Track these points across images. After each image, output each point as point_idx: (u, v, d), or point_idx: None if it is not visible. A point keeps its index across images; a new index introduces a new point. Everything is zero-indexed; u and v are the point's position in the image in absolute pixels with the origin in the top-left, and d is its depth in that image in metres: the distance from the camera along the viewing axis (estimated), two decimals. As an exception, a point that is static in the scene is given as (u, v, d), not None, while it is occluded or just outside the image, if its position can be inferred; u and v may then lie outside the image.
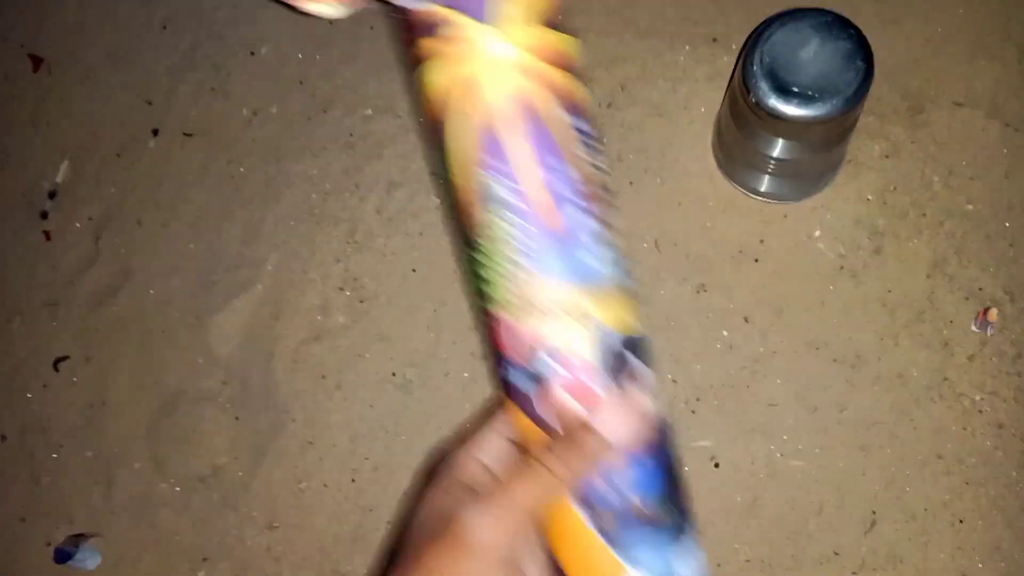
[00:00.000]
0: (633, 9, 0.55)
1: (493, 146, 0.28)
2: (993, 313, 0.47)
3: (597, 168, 0.29)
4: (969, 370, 0.47)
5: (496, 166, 0.28)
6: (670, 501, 0.30)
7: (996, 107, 0.50)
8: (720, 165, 0.52)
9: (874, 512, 0.46)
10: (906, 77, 0.52)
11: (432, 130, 0.29)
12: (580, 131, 0.29)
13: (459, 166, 0.29)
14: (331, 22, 0.57)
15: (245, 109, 0.56)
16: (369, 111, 0.56)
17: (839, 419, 0.47)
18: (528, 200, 0.28)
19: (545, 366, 0.29)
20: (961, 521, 0.45)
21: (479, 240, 0.29)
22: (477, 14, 0.27)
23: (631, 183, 0.53)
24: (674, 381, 0.49)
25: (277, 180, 0.55)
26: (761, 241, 0.51)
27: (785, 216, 0.51)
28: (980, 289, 0.48)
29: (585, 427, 0.28)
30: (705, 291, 0.50)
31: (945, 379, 0.47)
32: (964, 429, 0.46)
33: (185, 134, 0.57)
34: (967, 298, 0.48)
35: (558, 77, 0.28)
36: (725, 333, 0.50)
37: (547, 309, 0.29)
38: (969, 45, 0.51)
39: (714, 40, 0.54)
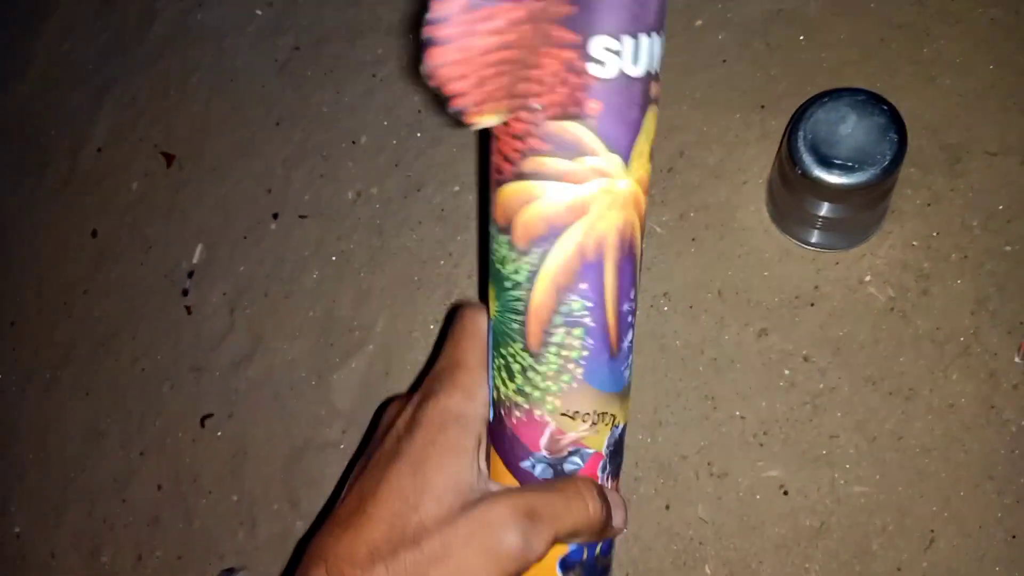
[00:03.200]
0: (688, 82, 0.61)
1: (589, 272, 0.31)
2: (1035, 345, 0.52)
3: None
4: (1014, 398, 0.51)
5: (585, 292, 0.31)
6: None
7: (1029, 154, 0.55)
8: (774, 220, 0.58)
9: (932, 531, 0.51)
10: (943, 130, 0.56)
11: (525, 239, 0.31)
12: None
13: (545, 283, 0.31)
14: (419, 111, 0.65)
15: (350, 191, 0.65)
16: (457, 187, 0.63)
17: (896, 447, 0.52)
18: (604, 327, 0.31)
19: (570, 461, 0.33)
20: (1014, 537, 0.49)
21: (543, 352, 0.32)
22: (620, 147, 0.30)
23: (694, 239, 0.59)
24: (742, 417, 0.55)
25: (381, 253, 0.63)
26: (816, 287, 0.56)
27: (837, 263, 0.56)
28: (1021, 323, 0.52)
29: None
30: (766, 334, 0.56)
31: (992, 407, 0.52)
32: (1012, 452, 0.51)
33: (300, 216, 0.65)
34: (1009, 332, 0.52)
35: (644, 208, 0.32)
36: (787, 372, 0.55)
37: (586, 415, 0.32)
38: (1001, 99, 0.56)
39: (762, 107, 0.60)
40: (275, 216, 0.66)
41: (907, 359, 0.53)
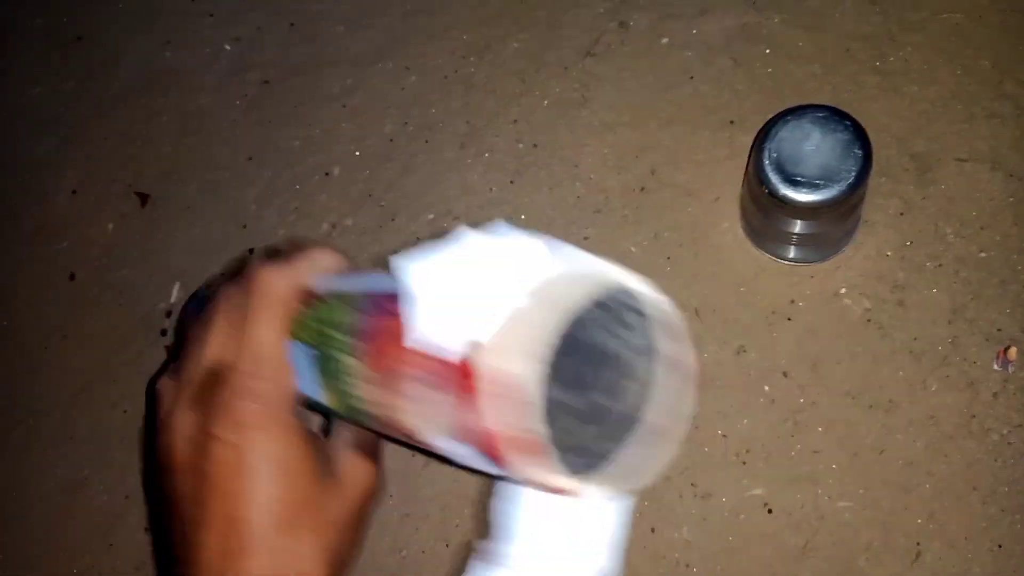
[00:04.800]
0: (656, 101, 0.61)
1: None
2: (1013, 352, 0.52)
3: None
4: (995, 406, 0.51)
5: None
6: None
7: (998, 160, 0.55)
8: (748, 236, 0.57)
9: (918, 544, 0.50)
10: (912, 139, 0.56)
11: None
12: None
13: None
14: (391, 139, 0.65)
15: (325, 224, 0.65)
16: (431, 215, 0.63)
17: (879, 461, 0.52)
18: None
19: None
20: (1000, 547, 0.49)
21: None
22: None
23: (668, 258, 0.58)
24: (724, 436, 0.55)
25: (357, 284, 0.63)
26: (792, 301, 0.56)
27: (812, 277, 0.56)
28: (998, 330, 0.52)
29: None
30: (745, 351, 0.56)
31: (973, 416, 0.51)
32: (995, 461, 0.50)
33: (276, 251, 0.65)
34: (987, 339, 0.52)
35: None
36: (767, 388, 0.55)
37: None
38: (968, 104, 0.56)
39: (731, 123, 0.59)
40: (251, 252, 0.66)
41: (885, 372, 0.53)
